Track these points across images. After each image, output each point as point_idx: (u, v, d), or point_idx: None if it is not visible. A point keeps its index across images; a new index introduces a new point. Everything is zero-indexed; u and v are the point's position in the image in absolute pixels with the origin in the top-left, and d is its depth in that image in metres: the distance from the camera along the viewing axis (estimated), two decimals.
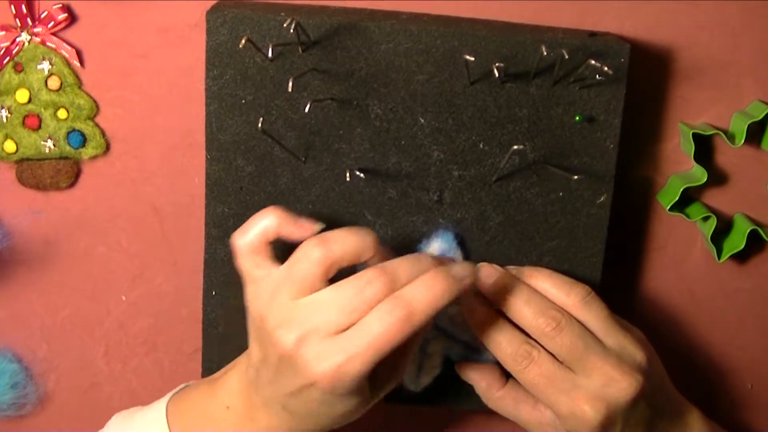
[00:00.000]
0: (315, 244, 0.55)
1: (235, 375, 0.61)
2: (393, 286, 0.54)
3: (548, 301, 0.62)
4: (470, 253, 0.66)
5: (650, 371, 0.62)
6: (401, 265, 0.55)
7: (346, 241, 0.56)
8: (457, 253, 0.65)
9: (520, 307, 0.61)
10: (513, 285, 0.62)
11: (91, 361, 0.76)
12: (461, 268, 0.57)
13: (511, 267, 0.65)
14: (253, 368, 0.58)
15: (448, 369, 0.67)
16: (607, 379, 0.60)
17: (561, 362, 0.61)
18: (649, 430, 0.63)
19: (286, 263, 0.57)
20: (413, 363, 0.66)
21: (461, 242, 0.66)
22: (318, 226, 0.58)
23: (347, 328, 0.54)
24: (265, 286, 0.57)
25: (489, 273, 0.63)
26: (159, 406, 0.63)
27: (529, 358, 0.61)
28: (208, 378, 0.64)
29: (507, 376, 0.65)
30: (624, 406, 0.60)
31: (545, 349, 0.61)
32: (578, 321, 0.61)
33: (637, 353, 0.62)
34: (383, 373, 0.58)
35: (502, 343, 0.62)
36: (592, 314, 0.62)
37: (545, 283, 0.63)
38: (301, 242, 0.57)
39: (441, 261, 0.58)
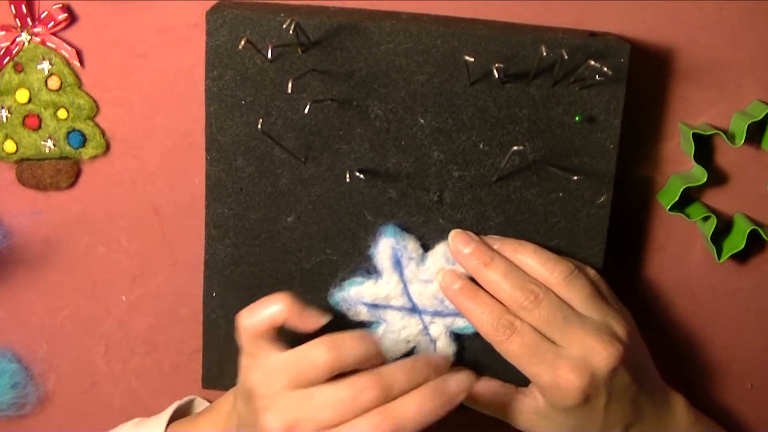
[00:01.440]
0: (326, 349, 0.57)
1: (221, 413, 0.63)
2: (387, 395, 0.56)
3: (527, 275, 0.62)
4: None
5: (631, 345, 0.62)
6: (398, 374, 0.57)
7: (357, 350, 0.57)
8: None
9: (498, 280, 0.61)
10: (491, 257, 0.62)
11: (91, 361, 0.76)
12: (457, 383, 0.59)
13: (494, 237, 0.65)
14: (236, 417, 0.60)
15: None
16: (587, 349, 0.60)
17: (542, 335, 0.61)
18: (635, 406, 0.63)
19: (291, 353, 0.58)
20: (426, 352, 0.66)
21: None
22: (325, 319, 0.59)
23: (334, 426, 0.55)
24: (262, 364, 0.58)
25: (464, 240, 0.63)
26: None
27: (511, 328, 0.61)
28: (196, 414, 0.67)
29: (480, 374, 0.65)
30: (605, 374, 0.60)
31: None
32: (560, 295, 0.62)
33: (617, 327, 0.62)
34: None
35: (483, 315, 0.62)
36: (574, 292, 0.62)
37: (529, 258, 0.63)
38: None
39: (436, 364, 0.59)
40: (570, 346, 0.60)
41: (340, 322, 0.67)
